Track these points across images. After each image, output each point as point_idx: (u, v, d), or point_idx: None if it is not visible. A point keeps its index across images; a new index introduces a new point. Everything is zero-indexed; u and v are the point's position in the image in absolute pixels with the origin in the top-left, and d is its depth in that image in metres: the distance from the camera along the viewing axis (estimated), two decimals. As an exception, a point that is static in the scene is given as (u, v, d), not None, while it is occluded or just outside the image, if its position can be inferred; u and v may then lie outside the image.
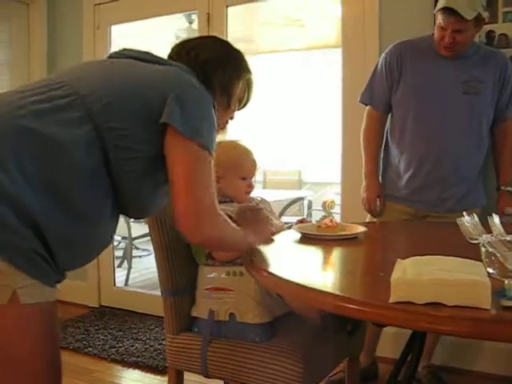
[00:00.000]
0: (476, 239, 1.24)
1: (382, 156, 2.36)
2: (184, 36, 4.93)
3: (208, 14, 3.18)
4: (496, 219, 1.32)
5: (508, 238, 1.20)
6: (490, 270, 1.10)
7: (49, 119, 1.13)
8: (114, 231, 1.30)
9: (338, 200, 3.13)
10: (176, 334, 1.78)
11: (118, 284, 3.95)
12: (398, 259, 1.11)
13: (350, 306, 0.97)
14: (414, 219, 2.21)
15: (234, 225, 1.35)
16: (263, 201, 2.00)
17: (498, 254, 1.11)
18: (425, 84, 2.17)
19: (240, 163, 1.85)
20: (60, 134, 1.11)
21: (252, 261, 1.35)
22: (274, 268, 1.30)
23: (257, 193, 6.12)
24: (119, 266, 4.75)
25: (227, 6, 3.14)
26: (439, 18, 2.05)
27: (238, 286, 1.67)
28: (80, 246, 1.19)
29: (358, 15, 2.74)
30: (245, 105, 1.56)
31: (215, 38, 1.55)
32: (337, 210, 5.07)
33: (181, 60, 1.37)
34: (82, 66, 1.41)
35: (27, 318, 1.09)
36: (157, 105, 1.19)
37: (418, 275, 0.95)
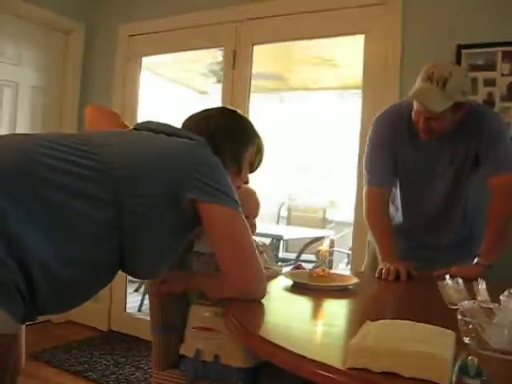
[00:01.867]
0: (456, 305, 1.20)
1: None
2: (216, 69, 5.03)
3: (234, 51, 3.25)
4: (482, 285, 1.28)
5: (491, 306, 1.17)
6: (466, 340, 1.07)
7: (69, 176, 1.18)
8: (107, 284, 1.34)
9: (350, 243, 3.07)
10: (162, 370, 1.77)
11: (130, 310, 3.97)
12: (368, 321, 1.08)
13: (302, 366, 0.95)
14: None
15: None
16: (264, 245, 1.98)
17: (475, 324, 1.07)
18: (408, 173, 2.06)
19: (242, 203, 1.85)
20: (76, 190, 1.17)
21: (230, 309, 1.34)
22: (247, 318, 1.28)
23: (281, 229, 6.06)
24: (136, 290, 4.77)
25: (253, 45, 3.20)
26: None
27: (225, 327, 1.65)
28: (67, 290, 1.21)
29: (380, 57, 2.76)
30: (256, 168, 1.64)
31: (223, 108, 1.66)
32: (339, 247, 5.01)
33: (192, 131, 1.45)
34: (110, 133, 1.48)
35: None
36: (181, 177, 1.29)
37: (376, 342, 0.93)
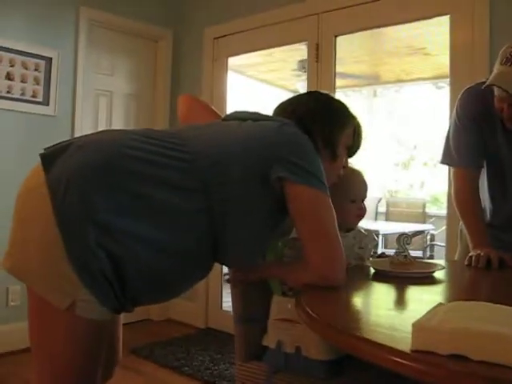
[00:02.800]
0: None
1: None
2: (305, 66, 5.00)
3: (317, 44, 3.21)
4: None
5: None
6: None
7: (157, 167, 1.21)
8: (202, 275, 1.35)
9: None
10: (245, 362, 1.78)
11: (226, 308, 4.03)
12: (440, 302, 1.01)
13: (364, 347, 0.90)
14: None
15: None
16: (366, 236, 1.83)
17: None
18: (495, 160, 1.91)
19: (348, 185, 1.66)
20: (164, 180, 1.20)
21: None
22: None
23: (378, 225, 5.87)
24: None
25: (335, 36, 3.15)
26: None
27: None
28: (159, 281, 1.23)
29: (467, 39, 2.59)
30: (355, 152, 1.55)
31: (312, 92, 1.59)
32: (440, 242, 4.75)
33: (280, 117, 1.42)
34: (198, 125, 1.47)
35: (76, 328, 1.17)
36: (268, 157, 1.26)
37: (442, 322, 0.86)
